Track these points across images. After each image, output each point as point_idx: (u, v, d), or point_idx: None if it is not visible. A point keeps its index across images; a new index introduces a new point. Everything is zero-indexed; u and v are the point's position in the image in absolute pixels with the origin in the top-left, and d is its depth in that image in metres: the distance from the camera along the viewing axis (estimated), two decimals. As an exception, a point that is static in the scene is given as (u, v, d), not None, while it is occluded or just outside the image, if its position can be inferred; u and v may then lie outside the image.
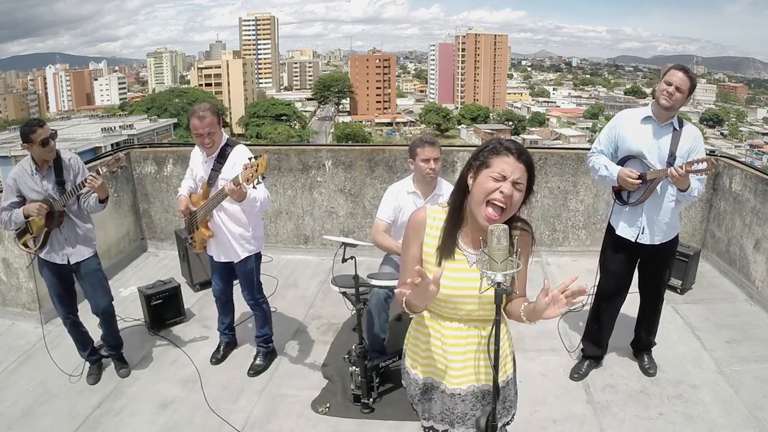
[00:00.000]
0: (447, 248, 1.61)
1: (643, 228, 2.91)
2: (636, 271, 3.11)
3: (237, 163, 2.92)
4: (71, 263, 3.04)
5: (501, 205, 1.49)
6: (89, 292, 3.17)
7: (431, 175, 3.05)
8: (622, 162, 2.89)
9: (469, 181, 1.56)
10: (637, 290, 3.19)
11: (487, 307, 1.62)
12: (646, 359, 3.28)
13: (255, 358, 3.38)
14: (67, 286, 3.14)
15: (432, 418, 1.77)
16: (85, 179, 2.81)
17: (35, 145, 2.84)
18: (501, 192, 1.49)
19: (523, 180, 1.52)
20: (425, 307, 1.62)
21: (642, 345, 3.28)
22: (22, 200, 2.94)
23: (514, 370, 1.84)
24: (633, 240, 2.94)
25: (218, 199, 2.88)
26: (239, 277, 3.23)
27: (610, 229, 3.07)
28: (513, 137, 63.44)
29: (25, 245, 3.03)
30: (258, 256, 3.22)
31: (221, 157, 2.98)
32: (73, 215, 3.02)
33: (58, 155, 2.98)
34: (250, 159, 2.60)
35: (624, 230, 2.96)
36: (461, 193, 1.60)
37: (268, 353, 3.41)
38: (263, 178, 2.60)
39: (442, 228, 1.63)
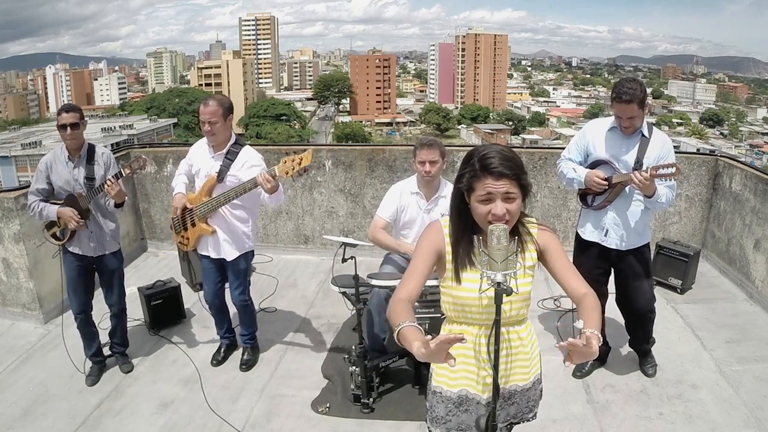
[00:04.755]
0: (461, 259, 1.60)
1: (607, 230, 2.91)
2: (614, 286, 3.08)
3: (247, 162, 3.02)
4: (95, 255, 3.10)
5: (499, 222, 1.48)
6: (107, 288, 3.24)
7: (426, 177, 3.05)
8: (591, 167, 2.90)
9: (466, 199, 1.56)
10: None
11: (517, 305, 1.62)
12: (648, 359, 3.27)
13: (243, 354, 3.41)
14: (86, 280, 3.17)
15: (467, 429, 1.73)
16: (103, 183, 2.86)
17: (58, 128, 2.91)
18: (494, 214, 1.49)
19: (514, 189, 1.50)
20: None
21: (639, 350, 3.25)
22: (51, 188, 3.00)
23: (540, 371, 1.82)
24: (599, 242, 2.93)
25: (234, 194, 2.92)
26: (232, 275, 3.23)
27: (577, 234, 3.08)
28: (513, 137, 63.74)
29: (54, 236, 3.08)
30: (251, 255, 3.29)
31: (230, 155, 3.02)
32: (99, 212, 3.07)
33: (93, 148, 3.04)
34: (288, 154, 2.75)
35: (590, 234, 2.97)
36: (460, 206, 1.59)
37: (255, 347, 3.47)
38: (305, 171, 2.74)
39: (451, 242, 1.62)
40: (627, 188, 2.81)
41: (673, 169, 2.55)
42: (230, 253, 3.14)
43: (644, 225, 2.92)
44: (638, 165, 2.75)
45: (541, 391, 1.85)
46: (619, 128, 2.79)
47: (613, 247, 2.90)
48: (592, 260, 2.98)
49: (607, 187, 2.81)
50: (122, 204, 3.03)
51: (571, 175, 2.93)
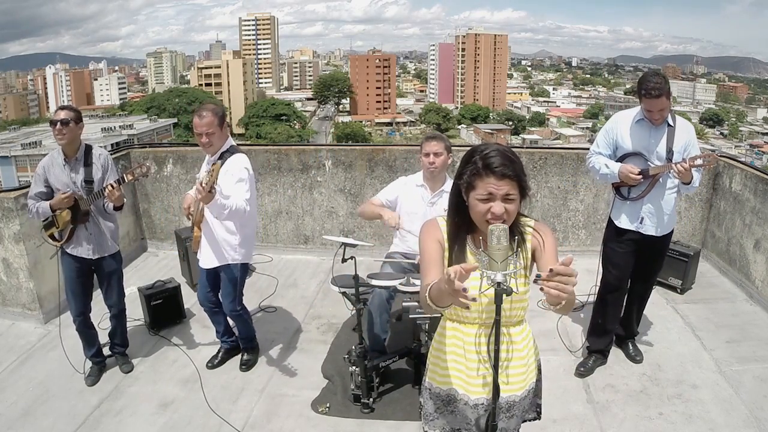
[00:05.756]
0: (456, 257, 1.60)
1: (642, 219, 3.01)
2: None
3: (228, 170, 2.92)
4: (94, 257, 3.10)
5: (497, 221, 1.48)
6: (106, 290, 3.25)
7: (431, 169, 3.10)
8: (621, 160, 2.99)
9: (464, 196, 1.56)
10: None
11: (513, 306, 1.61)
12: (631, 347, 3.36)
13: (243, 354, 3.41)
14: (85, 282, 3.16)
15: (453, 431, 1.74)
16: (104, 188, 2.87)
17: (50, 124, 2.94)
18: (493, 213, 1.49)
19: (513, 190, 1.50)
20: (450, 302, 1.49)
21: (627, 333, 3.37)
22: (50, 191, 3.00)
23: (539, 379, 1.81)
24: (634, 230, 3.03)
25: (198, 204, 2.94)
26: (221, 284, 3.19)
27: (610, 223, 3.16)
28: (513, 137, 63.69)
29: (52, 237, 3.08)
30: (244, 267, 3.19)
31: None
32: (98, 214, 3.07)
33: (89, 149, 3.05)
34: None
35: (625, 222, 3.06)
36: (458, 204, 1.59)
37: (254, 348, 3.47)
38: (214, 183, 2.63)
39: (448, 240, 1.63)
40: (660, 178, 2.92)
41: (710, 159, 2.73)
42: (210, 262, 3.10)
43: (674, 211, 3.06)
44: (670, 154, 2.86)
45: (537, 409, 1.83)
46: (649, 121, 2.89)
47: (649, 233, 3.01)
48: (625, 247, 3.09)
49: (642, 179, 2.90)
50: (121, 207, 3.03)
51: (604, 171, 3.00)
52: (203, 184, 2.60)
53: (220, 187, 2.85)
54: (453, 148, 3.29)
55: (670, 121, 2.89)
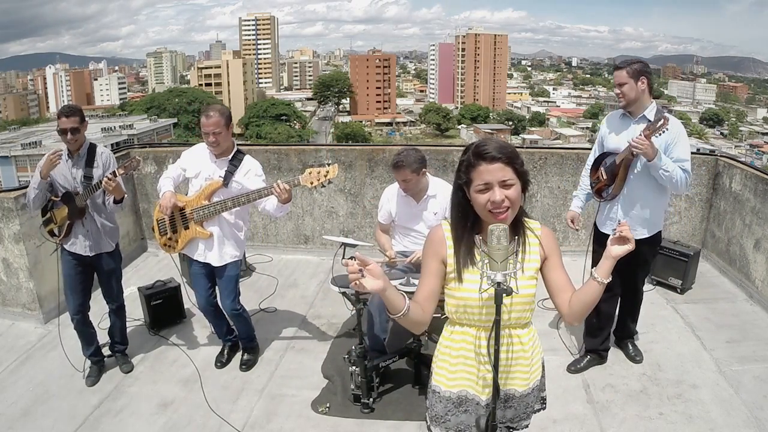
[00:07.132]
0: (462, 259, 1.58)
1: (619, 221, 2.94)
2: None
3: (251, 170, 3.07)
4: (91, 254, 3.10)
5: (500, 210, 1.48)
6: (105, 287, 3.26)
7: (406, 194, 3.16)
8: (601, 157, 3.04)
9: (467, 193, 1.55)
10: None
11: (518, 308, 1.61)
12: (630, 347, 3.36)
13: (243, 354, 3.42)
14: (83, 280, 3.16)
15: (466, 429, 1.74)
16: (101, 180, 2.87)
17: (59, 132, 2.94)
18: (492, 201, 1.48)
19: (510, 175, 1.49)
20: (405, 314, 1.52)
21: (624, 333, 3.37)
22: (50, 186, 3.00)
23: (542, 376, 1.81)
24: (612, 234, 2.99)
25: (246, 200, 2.94)
26: (221, 283, 3.20)
27: (594, 227, 3.20)
28: (513, 137, 63.72)
29: (51, 233, 3.09)
30: (240, 264, 3.29)
31: (235, 161, 3.05)
32: (96, 211, 3.07)
33: (93, 148, 3.07)
34: (324, 164, 2.91)
35: (603, 226, 3.08)
36: (461, 204, 1.58)
37: (254, 348, 3.47)
38: (329, 183, 2.88)
39: (453, 241, 1.61)
40: (632, 176, 2.88)
41: (662, 121, 2.65)
42: (225, 259, 3.13)
43: (656, 214, 3.00)
44: None
45: (542, 401, 1.84)
46: (629, 114, 2.89)
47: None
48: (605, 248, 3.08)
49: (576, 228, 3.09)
50: (122, 200, 3.02)
51: (577, 191, 3.26)
52: (295, 184, 2.83)
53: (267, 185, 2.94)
54: (453, 148, 3.31)
55: (651, 118, 2.82)
